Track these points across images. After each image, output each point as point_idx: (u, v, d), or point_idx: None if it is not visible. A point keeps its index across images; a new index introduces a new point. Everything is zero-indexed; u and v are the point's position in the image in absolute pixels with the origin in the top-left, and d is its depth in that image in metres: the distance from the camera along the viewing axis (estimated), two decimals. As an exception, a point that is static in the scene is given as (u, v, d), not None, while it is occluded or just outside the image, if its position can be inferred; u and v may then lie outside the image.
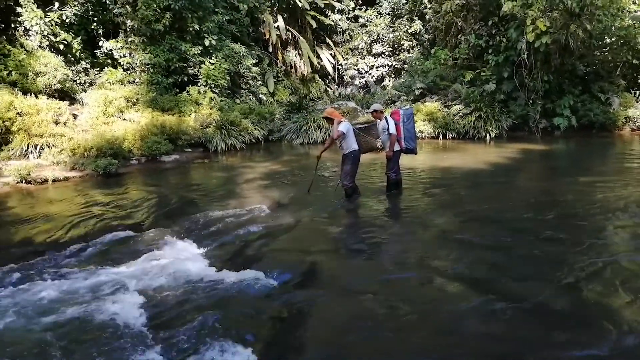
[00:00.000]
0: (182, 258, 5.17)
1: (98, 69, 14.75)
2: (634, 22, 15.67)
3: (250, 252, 5.43)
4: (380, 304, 4.16)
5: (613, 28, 15.24)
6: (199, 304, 4.15)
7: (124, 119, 12.98)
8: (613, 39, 16.28)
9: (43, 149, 10.61)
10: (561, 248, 5.29)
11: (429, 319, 3.90)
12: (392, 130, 7.35)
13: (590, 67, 17.10)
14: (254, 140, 14.67)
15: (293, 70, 21.84)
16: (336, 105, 17.57)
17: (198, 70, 15.30)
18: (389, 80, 22.61)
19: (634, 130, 16.57)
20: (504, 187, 8.90)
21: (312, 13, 21.98)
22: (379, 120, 7.65)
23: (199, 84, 15.28)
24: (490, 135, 15.44)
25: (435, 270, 4.85)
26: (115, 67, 14.84)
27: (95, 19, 14.64)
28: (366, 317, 3.94)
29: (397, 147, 7.50)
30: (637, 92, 17.27)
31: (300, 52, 21.64)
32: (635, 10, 16.97)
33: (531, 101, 16.31)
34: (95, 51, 14.88)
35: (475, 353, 3.40)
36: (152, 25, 14.42)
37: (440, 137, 15.73)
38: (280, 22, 20.49)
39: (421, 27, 22.08)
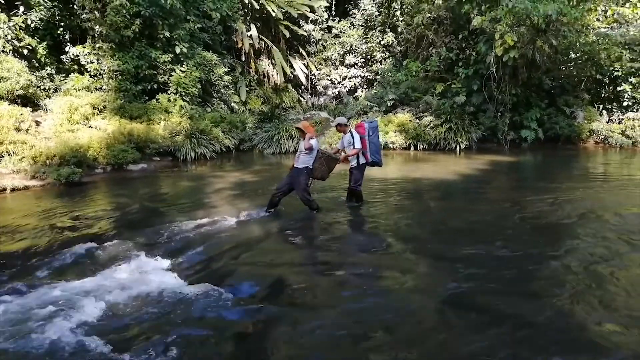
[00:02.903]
0: (145, 272, 4.99)
1: (64, 75, 14.36)
2: (598, 38, 16.21)
3: (216, 265, 5.29)
4: (348, 319, 4.07)
5: (578, 44, 15.72)
6: (161, 320, 3.98)
7: (90, 127, 12.64)
8: (578, 55, 16.81)
9: (2, 157, 10.18)
10: (526, 258, 5.36)
11: (398, 333, 3.83)
12: (358, 144, 7.38)
13: (556, 81, 17.62)
14: (224, 149, 14.48)
15: (266, 79, 21.72)
16: (309, 115, 17.56)
17: (168, 78, 15.04)
18: (362, 91, 22.74)
19: (597, 143, 17.11)
20: (474, 198, 8.99)
21: (286, 23, 21.96)
22: (343, 134, 7.67)
23: (169, 92, 15.00)
24: (460, 146, 15.67)
25: (405, 283, 4.81)
26: (81, 73, 14.47)
27: (62, 24, 14.28)
28: (333, 333, 3.85)
29: (362, 160, 7.52)
30: (601, 106, 17.83)
31: (273, 61, 21.56)
32: (599, 27, 17.57)
33: (500, 114, 16.65)
34: (61, 57, 14.49)
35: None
36: (121, 31, 14.10)
37: (412, 148, 15.87)
38: (254, 31, 20.40)
39: (393, 39, 22.32)
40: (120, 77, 14.40)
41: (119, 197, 8.99)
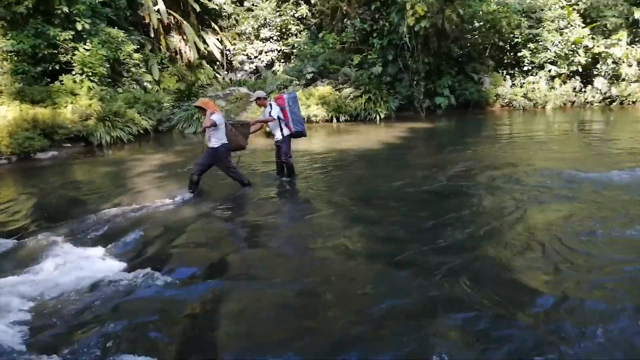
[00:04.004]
0: (74, 264, 4.66)
1: (-52, 57, 12.84)
2: (499, 7, 17.20)
3: (151, 250, 5.09)
4: (289, 290, 4.13)
5: (481, 12, 16.59)
6: (98, 313, 3.75)
7: (-14, 114, 11.47)
8: (482, 23, 17.76)
9: None
10: (453, 215, 5.72)
11: (340, 299, 3.93)
12: (275, 114, 7.42)
13: (464, 49, 18.52)
14: (142, 132, 13.77)
15: (178, 56, 20.79)
16: (228, 92, 17.14)
17: (71, 58, 13.92)
18: (279, 65, 22.51)
19: (503, 107, 18.37)
20: (397, 164, 9.36)
21: (195, -4, 21.04)
22: (264, 108, 7.65)
23: (73, 73, 13.91)
24: (380, 116, 16.09)
25: (342, 250, 4.93)
26: (-30, 56, 13.01)
27: (-60, 0, 12.68)
28: (277, 305, 3.89)
29: (286, 132, 7.56)
30: (504, 71, 19.05)
31: (184, 37, 20.64)
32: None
33: (415, 82, 17.26)
34: (-57, 37, 12.92)
35: (389, 329, 3.48)
36: (12, 7, 12.77)
37: (334, 120, 16.05)
38: (161, 5, 19.33)
39: (307, 11, 22.19)
40: (15, 58, 13.12)
41: (31, 187, 8.28)
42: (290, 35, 22.55)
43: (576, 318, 3.41)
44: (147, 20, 19.01)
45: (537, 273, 4.16)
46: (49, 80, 13.81)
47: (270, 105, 7.53)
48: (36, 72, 13.44)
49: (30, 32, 13.22)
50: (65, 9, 13.73)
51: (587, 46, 17.68)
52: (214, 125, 6.72)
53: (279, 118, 7.46)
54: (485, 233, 5.17)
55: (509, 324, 3.39)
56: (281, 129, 7.54)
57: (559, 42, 17.83)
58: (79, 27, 14.03)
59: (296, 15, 22.27)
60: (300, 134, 7.75)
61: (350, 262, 4.65)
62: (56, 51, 13.81)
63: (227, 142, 6.98)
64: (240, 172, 7.41)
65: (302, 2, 22.34)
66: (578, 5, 18.65)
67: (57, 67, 13.90)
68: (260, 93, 7.88)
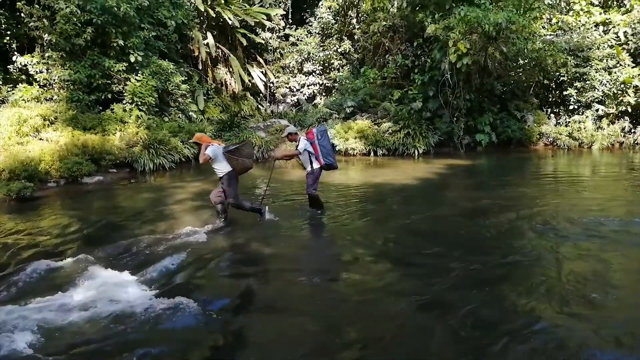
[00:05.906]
0: (108, 288, 4.80)
1: (11, 85, 13.74)
2: (544, 45, 16.99)
3: (182, 278, 5.18)
4: (317, 324, 4.11)
5: (526, 50, 16.43)
6: (128, 338, 3.86)
7: (41, 139, 12.12)
8: (526, 61, 17.55)
9: (-54, 173, 9.64)
10: (487, 258, 5.54)
11: (364, 338, 3.89)
12: (301, 147, 7.54)
13: (507, 86, 18.31)
14: (183, 159, 14.21)
15: (224, 87, 21.51)
16: (268, 123, 17.53)
17: (123, 88, 14.64)
18: (320, 99, 22.88)
19: (547, 145, 17.90)
20: (434, 202, 9.21)
21: (242, 31, 21.85)
22: (296, 142, 7.82)
23: (124, 102, 14.59)
24: (418, 151, 16.01)
25: (367, 286, 4.90)
26: (30, 84, 13.89)
27: (8, 32, 13.68)
28: (303, 339, 3.90)
29: (316, 165, 7.64)
30: (549, 110, 18.65)
31: (230, 69, 21.39)
32: (545, 35, 18.42)
33: (455, 118, 17.13)
34: (8, 67, 13.88)
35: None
36: (71, 40, 13.64)
37: (372, 153, 16.08)
38: (210, 39, 20.19)
39: (350, 46, 22.61)
40: (71, 87, 13.91)
41: (75, 211, 8.65)
42: (332, 69, 22.97)
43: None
44: (196, 53, 19.85)
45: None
46: (101, 108, 14.51)
47: (301, 139, 7.67)
48: (90, 100, 14.16)
49: (87, 63, 14.02)
50: (121, 42, 14.53)
51: (637, 86, 17.14)
52: (210, 158, 6.87)
53: (308, 152, 7.55)
54: (526, 280, 5.02)
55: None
56: (311, 162, 7.65)
57: (607, 81, 17.38)
58: (132, 59, 14.78)
59: (339, 50, 22.71)
60: (330, 167, 7.81)
61: (375, 299, 4.58)
62: (110, 81, 14.55)
63: (230, 169, 7.04)
64: (240, 199, 7.31)
65: (346, 37, 22.80)
66: (628, 44, 18.19)
67: (109, 96, 14.61)
68: (291, 129, 8.03)
